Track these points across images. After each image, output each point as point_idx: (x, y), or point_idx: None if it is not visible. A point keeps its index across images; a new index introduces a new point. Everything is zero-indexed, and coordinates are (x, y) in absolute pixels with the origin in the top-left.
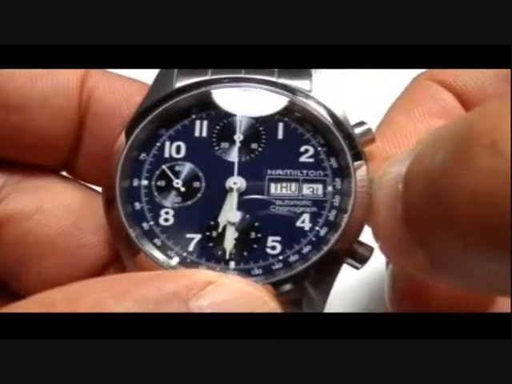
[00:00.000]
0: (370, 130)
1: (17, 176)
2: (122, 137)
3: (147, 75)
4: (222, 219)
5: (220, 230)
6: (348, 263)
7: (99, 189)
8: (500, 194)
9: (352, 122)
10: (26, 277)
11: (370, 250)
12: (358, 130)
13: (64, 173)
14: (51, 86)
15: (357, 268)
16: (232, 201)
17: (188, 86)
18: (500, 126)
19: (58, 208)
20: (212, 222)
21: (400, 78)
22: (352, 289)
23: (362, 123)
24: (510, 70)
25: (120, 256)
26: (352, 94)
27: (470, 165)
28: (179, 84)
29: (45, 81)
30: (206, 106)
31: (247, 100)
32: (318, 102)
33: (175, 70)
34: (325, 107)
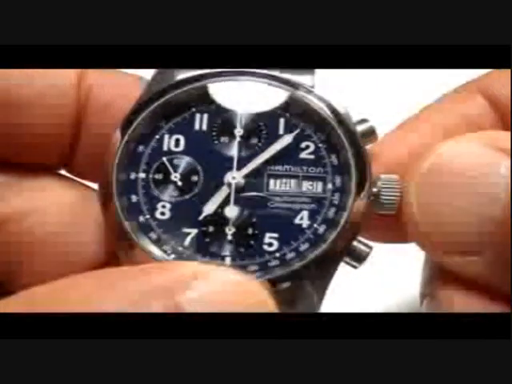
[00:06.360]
0: (372, 127)
1: (14, 176)
2: (120, 129)
3: (147, 71)
4: (207, 209)
5: (201, 218)
6: (346, 262)
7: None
8: None
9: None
10: (23, 277)
11: (369, 248)
12: (360, 128)
13: (63, 171)
14: (48, 84)
15: (355, 267)
16: (226, 195)
17: (188, 79)
18: None
19: (55, 207)
20: (209, 217)
21: (402, 77)
22: (348, 288)
23: (364, 120)
24: None
25: (116, 252)
26: (356, 91)
27: None
28: (180, 77)
29: (41, 79)
30: (207, 100)
31: (248, 94)
32: (321, 98)
33: None
34: (327, 103)
